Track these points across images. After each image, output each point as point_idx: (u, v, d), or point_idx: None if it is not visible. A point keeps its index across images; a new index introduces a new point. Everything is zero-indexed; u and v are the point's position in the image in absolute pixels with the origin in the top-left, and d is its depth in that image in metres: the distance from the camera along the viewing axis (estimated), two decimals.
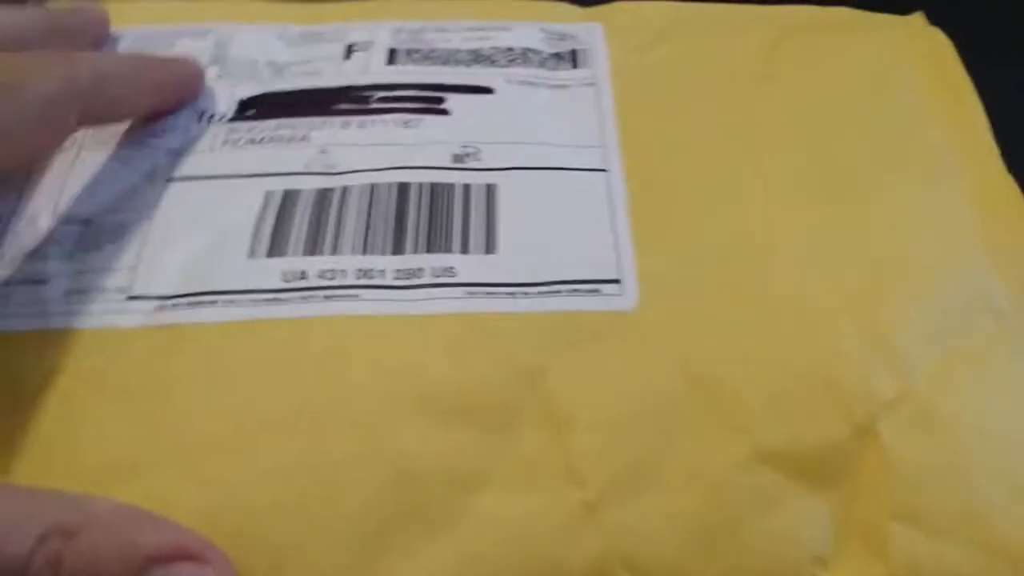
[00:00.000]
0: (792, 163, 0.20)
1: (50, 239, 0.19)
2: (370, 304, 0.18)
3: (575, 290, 0.18)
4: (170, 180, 0.20)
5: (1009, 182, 0.21)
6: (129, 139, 0.21)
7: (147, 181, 0.20)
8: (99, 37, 0.23)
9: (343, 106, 0.22)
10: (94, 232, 0.19)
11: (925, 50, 0.24)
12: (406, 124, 0.21)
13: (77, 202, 0.20)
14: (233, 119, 0.22)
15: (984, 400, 0.17)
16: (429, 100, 0.22)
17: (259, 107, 0.22)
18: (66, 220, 0.20)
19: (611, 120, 0.21)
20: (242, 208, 0.20)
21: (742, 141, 0.21)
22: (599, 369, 0.17)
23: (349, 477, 0.16)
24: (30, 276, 0.19)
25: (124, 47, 0.23)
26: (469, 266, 0.18)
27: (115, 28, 0.24)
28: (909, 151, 0.21)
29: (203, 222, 0.19)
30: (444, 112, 0.21)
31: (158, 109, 0.21)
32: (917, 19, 0.25)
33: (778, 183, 0.20)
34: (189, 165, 0.21)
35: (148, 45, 0.23)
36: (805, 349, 0.17)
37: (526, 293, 0.18)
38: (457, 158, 0.20)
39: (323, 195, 0.20)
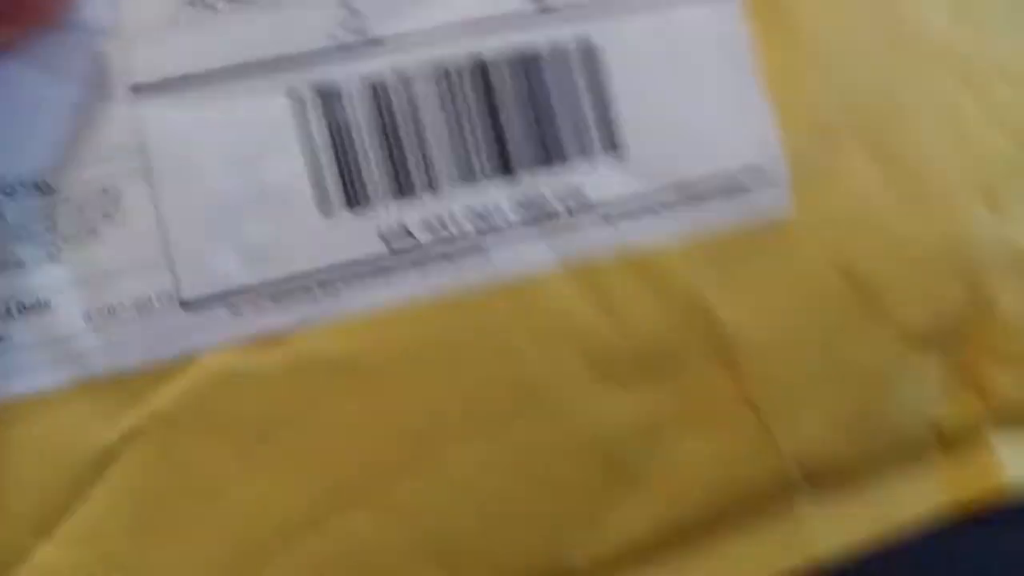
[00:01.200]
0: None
1: (10, 227, 0.13)
2: (502, 261, 0.15)
3: (724, 194, 0.16)
4: (136, 94, 0.14)
5: None
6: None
7: (99, 100, 0.14)
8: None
9: None
10: (67, 204, 0.14)
11: None
12: None
13: (9, 156, 0.13)
14: None
15: None
16: None
17: None
18: (9, 190, 0.13)
19: None
20: (267, 126, 0.14)
21: None
22: (761, 291, 0.16)
23: (541, 461, 0.15)
24: (29, 301, 0.13)
25: None
26: (597, 180, 0.15)
27: None
28: None
29: (223, 161, 0.14)
30: None
31: None
32: None
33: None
34: (149, 61, 0.14)
35: None
36: (944, 235, 0.17)
37: (669, 207, 0.15)
38: None
39: (377, 90, 0.15)
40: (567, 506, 0.16)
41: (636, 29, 0.15)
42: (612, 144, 0.15)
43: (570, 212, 0.15)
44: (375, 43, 0.14)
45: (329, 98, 0.14)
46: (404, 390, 0.15)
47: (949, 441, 0.18)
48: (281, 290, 0.14)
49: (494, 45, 0.15)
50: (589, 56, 0.15)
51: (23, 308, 0.13)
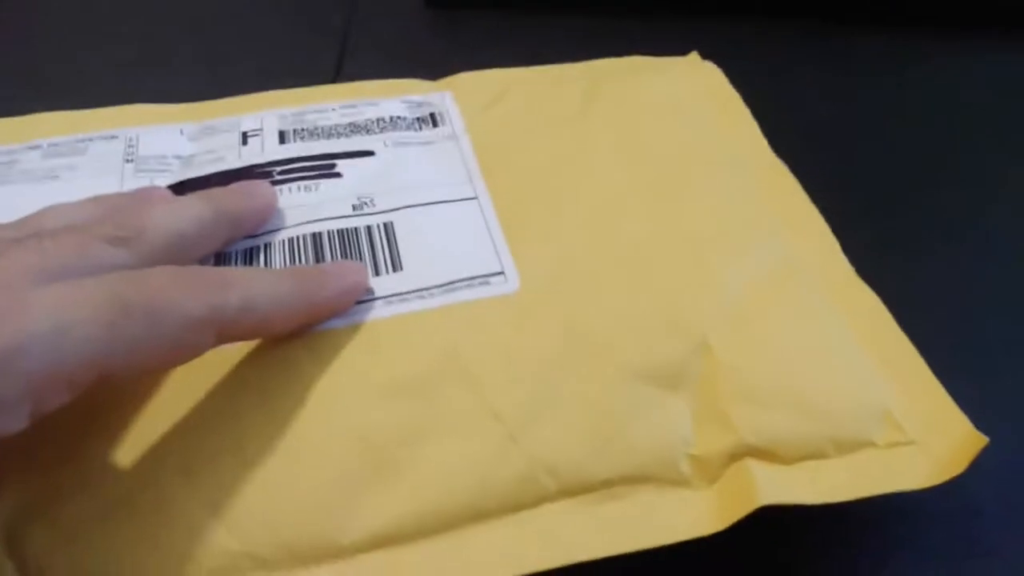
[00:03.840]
0: (617, 171, 0.26)
1: None
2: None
3: (469, 284, 0.23)
4: None
5: (782, 168, 0.28)
6: None
7: None
8: (262, 219, 0.24)
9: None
10: None
11: (703, 78, 0.31)
12: (307, 189, 0.26)
13: None
14: None
15: (786, 312, 0.22)
16: (322, 168, 0.26)
17: (177, 192, 0.26)
18: None
19: (472, 162, 0.27)
20: None
21: (575, 161, 0.26)
22: (498, 339, 0.21)
23: (320, 450, 0.20)
24: None
25: (39, 156, 0.27)
26: (383, 284, 0.23)
27: (31, 140, 0.27)
28: (704, 153, 0.27)
29: None
30: (337, 175, 0.26)
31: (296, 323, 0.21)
32: (693, 56, 0.32)
33: (610, 187, 0.25)
34: None
35: (64, 151, 0.27)
36: (651, 299, 0.22)
37: (432, 293, 0.22)
38: (355, 207, 0.25)
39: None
40: (336, 492, 0.19)
41: (417, 215, 0.25)
42: (397, 267, 0.23)
43: (362, 301, 0.22)
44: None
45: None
46: (242, 401, 0.20)
47: (708, 469, 0.20)
48: None
49: (327, 228, 0.24)
50: (388, 229, 0.24)
51: None
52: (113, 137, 0.28)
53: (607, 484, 0.20)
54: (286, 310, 0.20)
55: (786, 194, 0.27)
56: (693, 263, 0.23)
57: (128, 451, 0.20)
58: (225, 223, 0.22)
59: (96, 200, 0.22)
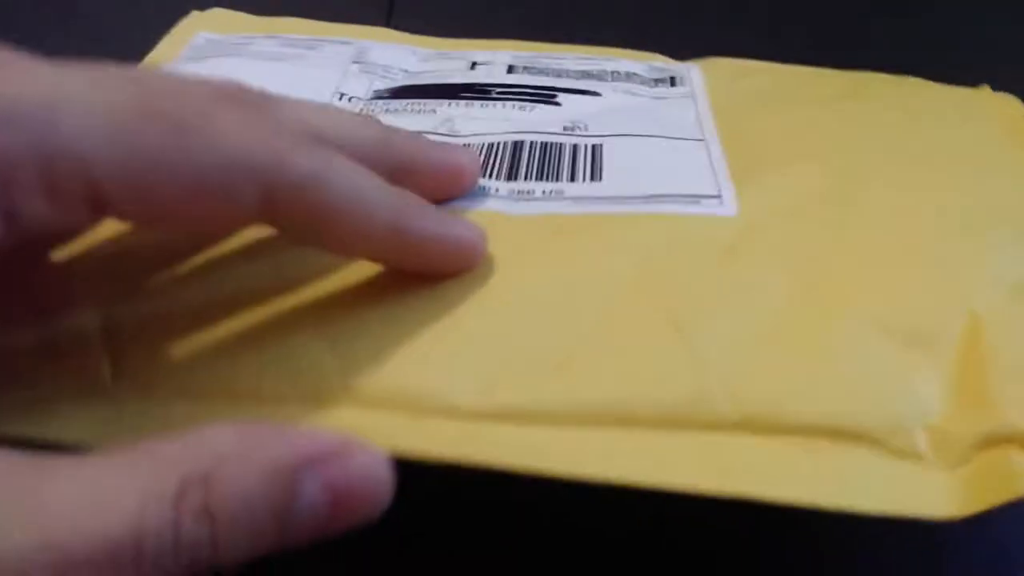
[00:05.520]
0: (874, 148, 0.22)
1: None
2: (487, 208, 0.19)
3: (675, 200, 0.19)
4: None
5: None
6: None
7: None
8: (447, 179, 0.19)
9: (467, 94, 0.24)
10: None
11: (998, 105, 0.26)
12: (522, 108, 0.24)
13: None
14: (369, 100, 0.24)
15: None
16: (543, 96, 0.24)
17: (392, 93, 0.25)
18: None
19: (708, 116, 0.24)
20: None
21: (825, 133, 0.23)
22: (701, 258, 0.18)
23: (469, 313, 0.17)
24: None
25: (275, 44, 0.27)
26: (577, 188, 0.20)
27: (271, 33, 0.28)
28: (983, 164, 0.22)
29: None
30: (556, 104, 0.24)
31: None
32: (984, 90, 0.27)
33: (863, 158, 0.21)
34: None
35: (298, 44, 0.27)
36: (907, 256, 0.18)
37: (630, 202, 0.19)
38: (567, 128, 0.23)
39: None
40: (469, 353, 0.16)
41: (631, 142, 0.22)
42: (596, 176, 0.20)
43: (546, 197, 0.19)
44: (454, 133, 0.22)
45: None
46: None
47: (952, 448, 0.15)
48: None
49: (531, 139, 0.22)
50: (596, 150, 0.21)
51: None
52: (347, 43, 0.27)
53: (807, 431, 0.15)
54: (365, 214, 0.15)
55: None
56: (960, 235, 0.18)
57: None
58: (388, 159, 0.17)
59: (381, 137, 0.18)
